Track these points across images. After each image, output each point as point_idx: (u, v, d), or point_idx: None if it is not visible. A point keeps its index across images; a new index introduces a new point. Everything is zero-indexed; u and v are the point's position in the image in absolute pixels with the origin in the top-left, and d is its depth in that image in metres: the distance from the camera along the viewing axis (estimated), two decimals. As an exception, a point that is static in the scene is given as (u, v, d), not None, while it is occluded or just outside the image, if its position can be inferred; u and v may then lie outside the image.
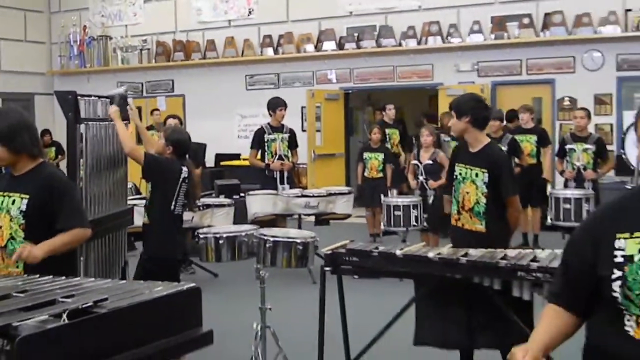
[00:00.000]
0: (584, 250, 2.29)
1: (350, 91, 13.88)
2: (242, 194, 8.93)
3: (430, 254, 4.07)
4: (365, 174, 9.96)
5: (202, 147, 10.13)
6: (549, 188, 9.34)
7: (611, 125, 11.53)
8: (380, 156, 9.91)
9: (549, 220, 8.44)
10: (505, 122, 10.03)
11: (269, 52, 14.08)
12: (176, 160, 5.45)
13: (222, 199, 8.43)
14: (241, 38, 14.36)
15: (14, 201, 3.54)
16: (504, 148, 7.78)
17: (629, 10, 11.31)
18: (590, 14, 11.50)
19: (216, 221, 7.76)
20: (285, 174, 8.74)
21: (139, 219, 6.35)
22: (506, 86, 12.31)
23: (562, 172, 8.92)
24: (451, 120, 4.99)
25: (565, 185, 8.78)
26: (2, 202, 3.56)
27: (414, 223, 8.07)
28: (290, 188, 8.71)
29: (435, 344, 4.50)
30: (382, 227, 8.61)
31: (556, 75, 11.93)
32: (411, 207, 8.07)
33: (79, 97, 5.13)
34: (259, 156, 8.89)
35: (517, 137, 9.03)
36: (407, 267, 4.15)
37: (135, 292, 2.69)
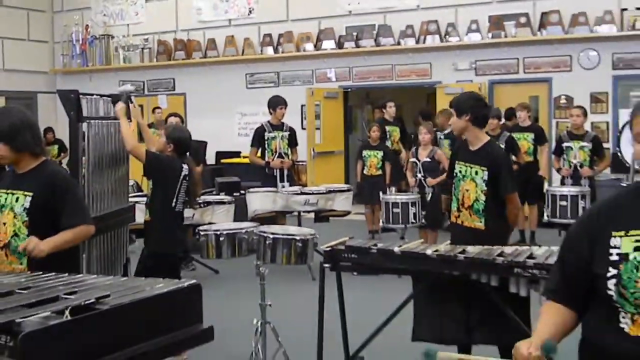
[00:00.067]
0: (580, 247, 2.29)
1: (349, 89, 13.87)
2: (242, 192, 8.93)
3: (428, 251, 4.08)
4: (365, 171, 9.97)
5: (202, 145, 10.14)
6: (545, 185, 9.34)
7: (607, 123, 11.52)
8: (380, 154, 9.90)
9: (545, 217, 8.44)
10: (504, 120, 10.04)
11: (269, 51, 14.07)
12: (177, 158, 5.46)
13: (222, 197, 8.43)
14: (241, 37, 14.35)
15: (17, 199, 3.54)
16: (502, 146, 7.77)
17: (625, 9, 11.30)
18: (586, 13, 11.50)
19: (217, 218, 7.77)
20: (285, 172, 8.74)
21: (141, 216, 6.35)
22: (503, 85, 12.30)
23: (559, 170, 8.92)
24: (451, 118, 4.99)
25: (562, 183, 8.78)
26: (6, 199, 3.57)
27: (413, 220, 8.09)
28: (290, 185, 8.71)
29: (433, 340, 4.50)
30: (380, 224, 8.61)
31: (553, 74, 11.92)
32: (409, 204, 8.08)
33: (81, 96, 5.13)
34: (259, 154, 8.89)
35: (515, 135, 9.03)
36: (405, 264, 4.15)
37: (136, 289, 2.70)
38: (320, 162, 12.98)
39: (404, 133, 11.64)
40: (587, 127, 9.44)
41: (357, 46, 13.20)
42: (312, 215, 8.68)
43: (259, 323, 4.74)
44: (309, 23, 13.77)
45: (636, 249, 2.15)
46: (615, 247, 2.18)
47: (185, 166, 5.48)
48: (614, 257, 2.17)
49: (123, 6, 15.78)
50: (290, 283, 7.33)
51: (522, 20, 11.91)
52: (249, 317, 4.88)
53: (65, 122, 5.21)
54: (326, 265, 4.37)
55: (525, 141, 9.26)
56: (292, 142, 8.91)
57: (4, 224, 3.55)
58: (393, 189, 9.09)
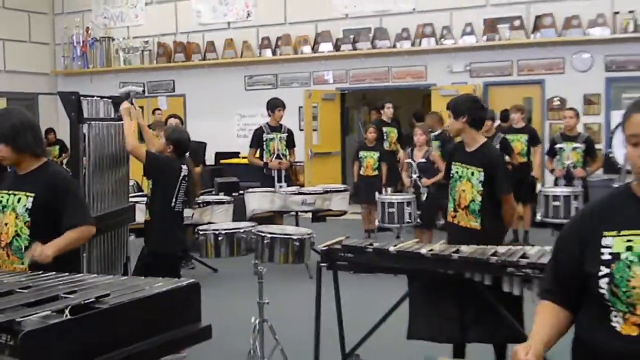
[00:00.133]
0: (572, 247, 2.29)
1: (346, 91, 13.86)
2: (241, 192, 8.93)
3: (423, 251, 4.08)
4: (361, 172, 9.97)
5: (202, 146, 10.11)
6: (538, 186, 9.35)
7: (599, 124, 11.54)
8: (376, 155, 9.91)
9: (538, 217, 8.45)
10: (500, 122, 10.04)
11: (267, 53, 14.06)
12: (176, 159, 5.47)
13: (221, 196, 8.43)
14: (240, 40, 14.34)
15: (19, 199, 3.54)
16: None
17: (617, 12, 11.31)
18: (579, 16, 11.51)
19: (216, 218, 7.76)
20: (283, 172, 8.75)
21: (141, 215, 6.34)
22: (498, 86, 12.31)
23: (552, 171, 8.93)
24: (448, 120, 4.99)
25: (556, 184, 8.79)
26: (8, 200, 3.57)
27: (408, 219, 8.08)
28: (288, 186, 8.72)
29: (428, 338, 4.51)
30: (376, 223, 8.61)
31: (546, 76, 11.93)
32: (405, 204, 8.08)
33: (81, 98, 5.13)
34: (257, 155, 8.90)
35: (508, 136, 9.03)
36: (400, 263, 4.15)
37: (136, 288, 2.70)
38: (318, 162, 12.98)
39: (401, 134, 11.63)
40: (580, 128, 9.45)
41: (354, 49, 13.20)
42: (310, 215, 8.67)
43: (257, 321, 4.74)
44: (307, 26, 13.76)
45: (628, 248, 2.15)
46: (607, 247, 2.19)
47: (184, 167, 5.49)
48: (606, 257, 2.18)
49: (123, 9, 15.76)
50: (288, 282, 7.33)
51: (516, 23, 11.92)
52: (247, 315, 4.88)
53: (66, 123, 5.20)
54: (323, 264, 4.37)
55: (519, 142, 9.26)
56: (290, 143, 8.92)
57: (6, 224, 3.54)
58: (389, 189, 9.08)
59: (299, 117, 13.27)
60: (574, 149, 8.58)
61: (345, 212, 8.82)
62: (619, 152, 10.12)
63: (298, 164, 11.82)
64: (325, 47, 13.44)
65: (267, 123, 8.94)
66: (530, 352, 2.14)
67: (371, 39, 13.11)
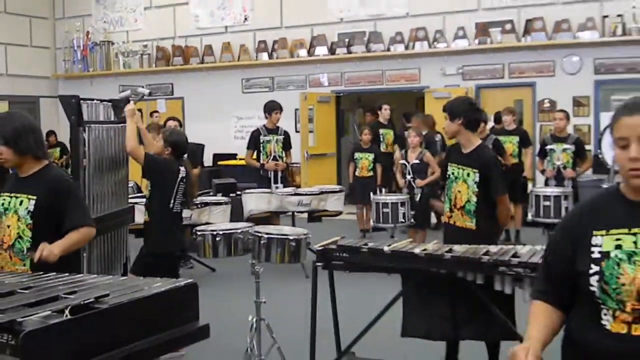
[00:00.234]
0: (564, 248, 2.30)
1: (341, 94, 13.88)
2: (238, 193, 8.92)
3: (416, 250, 4.08)
4: (356, 173, 9.99)
5: (200, 148, 10.10)
6: (529, 186, 9.36)
7: (589, 126, 11.56)
8: (371, 156, 9.93)
9: (529, 217, 8.46)
10: (493, 124, 10.04)
11: (264, 56, 14.06)
12: (174, 161, 5.46)
13: (219, 197, 8.42)
14: (237, 43, 14.34)
15: (21, 202, 3.53)
16: (488, 148, 7.79)
17: (606, 16, 11.33)
18: (569, 20, 11.54)
19: (213, 218, 7.75)
20: (280, 174, 8.75)
21: (140, 216, 6.34)
22: (489, 89, 12.32)
23: (543, 171, 8.94)
24: (445, 122, 4.99)
25: (546, 184, 8.80)
26: (10, 202, 3.55)
27: (402, 219, 8.08)
28: (284, 187, 8.71)
29: (422, 336, 4.51)
30: (371, 223, 8.61)
31: (537, 79, 11.95)
32: (399, 204, 8.08)
33: (81, 101, 5.12)
34: (254, 156, 8.89)
35: (500, 137, 9.03)
36: (394, 263, 4.16)
37: (135, 288, 2.69)
38: (314, 164, 12.98)
39: (397, 135, 11.62)
40: (570, 130, 9.45)
41: (349, 52, 13.21)
42: (306, 215, 8.67)
43: (254, 320, 4.73)
44: (302, 30, 13.77)
45: (617, 247, 2.16)
46: (597, 246, 2.20)
47: (182, 168, 5.49)
48: (596, 255, 2.19)
49: (123, 13, 15.75)
50: (284, 281, 7.32)
51: (507, 27, 11.94)
52: (245, 314, 4.88)
53: (67, 126, 5.18)
54: (319, 263, 4.38)
55: (510, 144, 9.27)
56: (287, 145, 8.92)
57: (8, 226, 3.53)
58: (383, 189, 9.09)
59: (295, 119, 13.27)
60: (564, 150, 8.59)
61: (340, 213, 8.82)
62: (608, 153, 10.15)
63: (294, 165, 11.79)
64: (321, 51, 13.44)
65: (264, 125, 8.93)
66: (530, 353, 2.13)
67: (366, 42, 13.12)
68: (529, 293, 3.56)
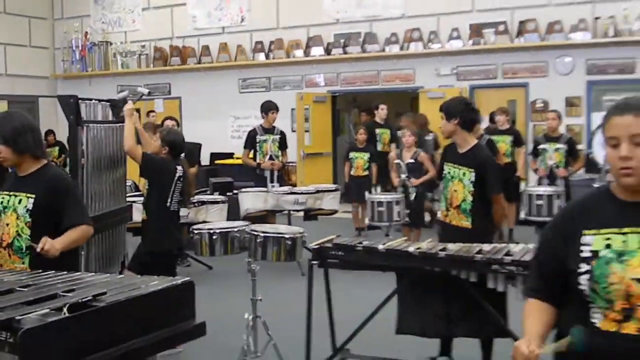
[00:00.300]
0: (555, 247, 2.30)
1: (337, 94, 13.87)
2: (235, 191, 8.91)
3: (411, 249, 4.08)
4: (352, 172, 9.98)
5: (197, 147, 10.09)
6: (522, 185, 9.37)
7: (581, 126, 11.57)
8: (366, 155, 9.92)
9: (522, 215, 8.47)
10: (488, 124, 10.03)
11: (261, 57, 14.05)
12: (171, 160, 5.46)
13: (216, 196, 8.41)
14: (234, 44, 14.33)
15: (20, 200, 3.52)
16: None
17: (598, 18, 11.34)
18: (561, 21, 11.55)
19: (210, 217, 7.74)
20: (276, 173, 8.75)
21: (138, 215, 6.33)
22: (483, 89, 12.32)
23: (535, 171, 8.95)
24: (441, 122, 5.00)
25: (539, 183, 8.81)
26: (9, 201, 3.55)
27: (397, 218, 8.07)
28: (280, 186, 8.71)
29: (416, 333, 4.52)
30: (366, 222, 8.60)
31: (530, 79, 11.96)
32: (394, 203, 8.07)
33: (79, 101, 5.11)
34: (251, 155, 8.89)
35: (494, 137, 9.04)
36: (389, 261, 4.16)
37: (132, 287, 2.69)
38: (309, 163, 12.97)
39: (394, 135, 11.62)
40: (562, 129, 9.48)
41: (345, 53, 13.20)
42: (302, 214, 8.66)
43: (250, 317, 4.74)
44: (299, 31, 13.76)
45: (607, 246, 2.16)
46: (587, 245, 2.20)
47: (179, 167, 5.48)
48: (586, 254, 2.19)
49: (121, 14, 15.72)
50: (280, 279, 7.32)
51: (501, 28, 11.95)
52: (241, 312, 4.88)
53: (66, 125, 5.19)
54: (314, 262, 4.38)
55: (503, 143, 9.27)
56: (283, 145, 8.92)
57: (7, 224, 3.53)
58: (378, 188, 9.08)
59: (291, 119, 13.26)
60: (557, 149, 8.61)
61: (336, 211, 8.81)
62: (600, 152, 10.16)
63: (290, 164, 11.81)
64: (317, 51, 13.44)
65: (261, 125, 8.93)
66: (532, 344, 2.14)
67: (361, 43, 13.11)
68: (521, 291, 3.57)
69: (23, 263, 3.49)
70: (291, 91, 13.50)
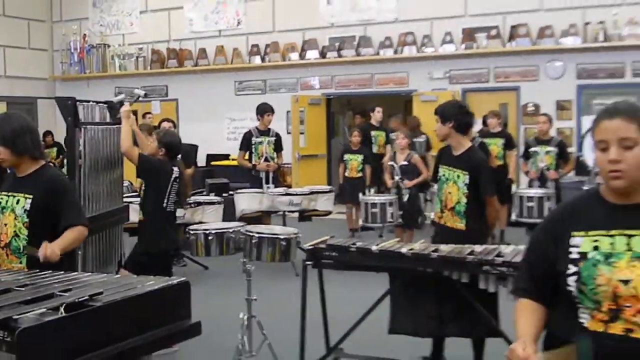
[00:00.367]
0: (545, 248, 2.31)
1: (331, 97, 13.87)
2: (230, 192, 8.91)
3: (404, 250, 4.09)
4: (346, 173, 9.98)
5: (194, 148, 10.09)
6: (513, 187, 9.39)
7: (571, 129, 11.60)
8: (360, 157, 9.93)
9: (513, 217, 8.49)
10: (481, 127, 10.04)
11: (257, 60, 14.04)
12: (168, 161, 5.46)
13: (212, 197, 8.40)
14: (230, 47, 14.32)
15: (18, 201, 3.52)
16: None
17: (588, 23, 11.37)
18: (552, 26, 11.58)
19: (206, 217, 7.73)
20: (271, 174, 8.74)
21: (135, 215, 6.32)
22: (475, 93, 12.34)
23: (527, 173, 8.97)
24: (435, 124, 5.00)
25: (530, 185, 8.83)
26: (7, 201, 3.55)
27: (390, 219, 8.09)
28: (275, 187, 8.70)
29: (409, 333, 4.52)
30: (360, 223, 8.61)
31: (521, 83, 11.98)
32: (387, 204, 8.08)
33: (77, 103, 5.11)
34: (247, 157, 8.89)
35: (486, 140, 9.06)
36: (382, 262, 4.16)
37: (128, 286, 2.68)
38: (304, 164, 12.97)
39: (389, 137, 11.63)
40: (553, 132, 9.50)
41: (339, 56, 13.21)
42: (296, 214, 8.65)
43: (245, 317, 4.73)
44: (294, 34, 13.76)
45: (595, 248, 2.17)
46: (575, 246, 2.20)
47: (175, 169, 5.48)
48: (574, 255, 2.19)
49: (119, 17, 15.70)
50: (275, 279, 7.32)
51: (493, 32, 11.97)
52: (236, 312, 4.87)
53: (64, 127, 5.17)
54: (309, 262, 4.38)
55: (495, 146, 9.28)
56: (278, 147, 8.92)
57: (5, 225, 3.52)
58: (372, 190, 9.09)
59: (286, 121, 13.26)
60: (548, 152, 8.63)
61: (330, 212, 8.81)
62: (589, 155, 10.18)
63: (285, 165, 11.81)
64: (312, 54, 13.45)
65: (256, 127, 8.93)
66: (528, 347, 2.14)
67: (356, 46, 13.12)
68: (509, 291, 3.57)
69: (20, 263, 3.49)
70: (286, 94, 13.49)
